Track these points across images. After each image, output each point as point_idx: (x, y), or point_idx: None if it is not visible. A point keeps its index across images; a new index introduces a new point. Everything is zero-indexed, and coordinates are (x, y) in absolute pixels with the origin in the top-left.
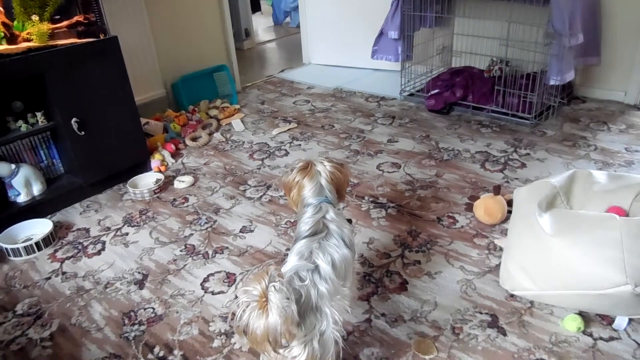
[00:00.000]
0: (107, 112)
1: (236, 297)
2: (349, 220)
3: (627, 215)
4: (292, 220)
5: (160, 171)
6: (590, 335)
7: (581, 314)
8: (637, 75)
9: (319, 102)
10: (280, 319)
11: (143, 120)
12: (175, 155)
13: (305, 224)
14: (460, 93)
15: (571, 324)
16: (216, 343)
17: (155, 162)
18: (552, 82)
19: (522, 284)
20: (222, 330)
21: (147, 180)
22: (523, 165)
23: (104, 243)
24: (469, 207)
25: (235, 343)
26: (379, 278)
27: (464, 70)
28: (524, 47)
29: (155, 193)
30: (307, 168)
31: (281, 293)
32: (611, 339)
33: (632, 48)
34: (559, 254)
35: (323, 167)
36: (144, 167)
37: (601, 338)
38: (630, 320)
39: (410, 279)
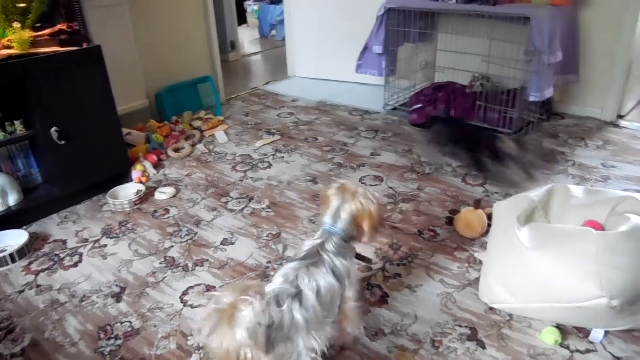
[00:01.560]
0: (88, 121)
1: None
2: (364, 258)
3: (602, 229)
4: (274, 233)
5: (141, 182)
6: (567, 347)
7: (558, 326)
8: (613, 93)
9: (302, 115)
10: (248, 339)
11: (125, 130)
12: (157, 166)
13: (304, 246)
14: (442, 108)
15: (549, 337)
16: (194, 358)
17: (136, 172)
18: (531, 98)
19: (501, 297)
20: (201, 345)
21: (127, 191)
22: None
23: (81, 255)
24: (450, 221)
25: (213, 358)
26: (359, 291)
27: (446, 86)
28: (504, 63)
29: (135, 204)
30: (344, 189)
31: (255, 311)
32: (587, 351)
33: (608, 67)
34: (536, 267)
35: (355, 197)
36: (125, 177)
37: (578, 350)
38: (606, 332)
39: (391, 292)
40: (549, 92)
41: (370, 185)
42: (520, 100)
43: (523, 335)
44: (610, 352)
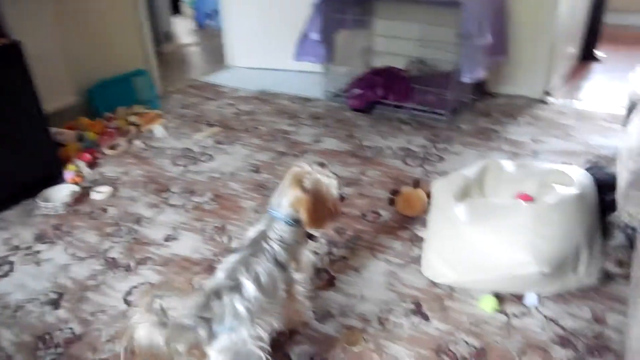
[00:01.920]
0: (10, 122)
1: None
2: (312, 237)
3: (533, 201)
4: (219, 226)
5: (75, 183)
6: (505, 313)
7: (496, 294)
8: (539, 72)
9: (243, 105)
10: (148, 340)
11: (55, 130)
12: (92, 165)
13: (248, 235)
14: (381, 92)
15: (487, 305)
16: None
17: (69, 173)
18: (464, 80)
19: (441, 271)
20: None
21: (61, 193)
22: (441, 159)
23: (12, 264)
24: (392, 202)
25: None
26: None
27: (384, 70)
28: (438, 47)
29: (70, 206)
30: (293, 173)
31: (149, 317)
32: (523, 315)
33: (533, 47)
34: (473, 240)
35: (297, 184)
36: (57, 179)
37: (514, 315)
38: (539, 297)
39: (338, 274)
40: (481, 73)
41: None
42: (454, 82)
43: (464, 306)
44: (543, 314)
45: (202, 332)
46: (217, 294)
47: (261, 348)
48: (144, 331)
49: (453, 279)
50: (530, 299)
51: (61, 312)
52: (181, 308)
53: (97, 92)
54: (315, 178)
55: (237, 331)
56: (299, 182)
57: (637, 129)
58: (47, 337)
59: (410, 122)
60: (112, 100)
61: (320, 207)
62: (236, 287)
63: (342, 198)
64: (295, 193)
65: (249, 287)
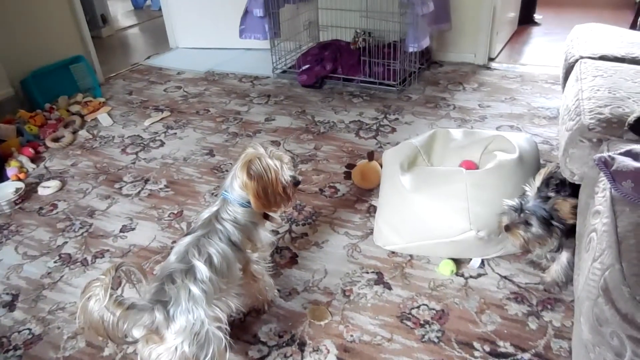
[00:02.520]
0: None
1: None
2: (268, 217)
3: (477, 167)
4: (176, 212)
5: (19, 179)
6: (462, 275)
7: (453, 259)
8: (482, 38)
9: (191, 87)
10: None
11: None
12: (35, 159)
13: (200, 217)
14: (330, 66)
15: (445, 269)
16: (107, 352)
17: (12, 169)
18: (410, 49)
19: (391, 239)
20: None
21: (4, 192)
22: (393, 130)
23: None
24: (348, 175)
25: (127, 347)
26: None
27: (331, 44)
28: (382, 17)
29: (16, 204)
30: (244, 155)
31: (105, 294)
32: (479, 276)
33: (475, 14)
34: (416, 208)
35: (245, 167)
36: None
37: (471, 276)
38: (483, 260)
39: (300, 251)
40: (425, 42)
41: None
42: (401, 53)
43: (423, 272)
44: (498, 273)
45: (159, 315)
46: (170, 278)
47: (220, 329)
48: (97, 306)
49: (401, 246)
50: (475, 263)
51: (17, 314)
52: (137, 294)
53: (33, 82)
54: (266, 163)
55: (194, 313)
56: (247, 166)
57: (573, 89)
58: (4, 340)
59: (361, 95)
60: (51, 90)
61: (269, 192)
62: (189, 270)
63: (296, 183)
64: (243, 178)
65: (202, 269)
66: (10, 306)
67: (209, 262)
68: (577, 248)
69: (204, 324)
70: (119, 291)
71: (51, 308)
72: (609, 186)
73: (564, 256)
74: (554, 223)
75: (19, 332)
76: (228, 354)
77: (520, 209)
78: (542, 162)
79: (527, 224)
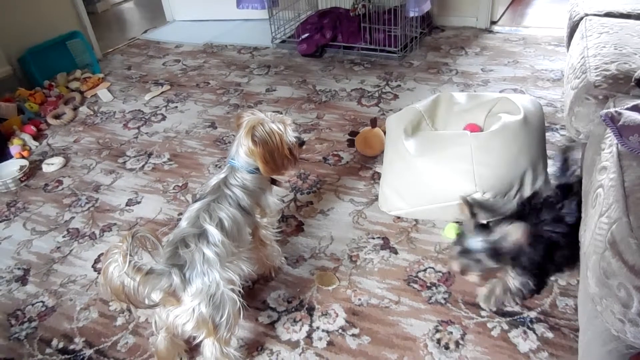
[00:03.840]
0: None
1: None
2: (275, 182)
3: (481, 130)
4: (181, 185)
5: (23, 157)
6: None
7: (459, 221)
8: (484, 0)
9: (190, 60)
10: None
11: None
12: (37, 137)
13: (209, 183)
14: (329, 34)
15: (450, 232)
16: (119, 321)
17: (15, 148)
18: (411, 14)
19: (395, 204)
20: (124, 307)
21: (9, 169)
22: (395, 97)
23: None
24: (351, 143)
25: (140, 317)
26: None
27: (330, 12)
28: None
29: (22, 181)
30: (247, 122)
31: (124, 259)
32: None
33: None
34: (421, 172)
35: (249, 133)
36: (3, 155)
37: None
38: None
39: (305, 219)
40: (426, 7)
41: None
42: (401, 18)
43: (429, 235)
44: None
45: (176, 278)
46: (184, 242)
47: (234, 291)
48: (117, 272)
49: (406, 210)
50: None
51: (30, 287)
52: (152, 260)
53: (30, 59)
54: (269, 128)
55: (209, 275)
56: (251, 133)
57: (579, 47)
58: (18, 313)
59: (362, 63)
60: (49, 67)
61: (275, 156)
62: (202, 234)
63: (301, 143)
64: (248, 144)
65: (214, 232)
66: (23, 280)
67: (220, 226)
68: (583, 205)
69: (219, 286)
70: (136, 257)
71: (62, 281)
72: (616, 142)
73: (515, 280)
74: (504, 252)
75: (33, 304)
76: (242, 316)
77: (466, 251)
78: (546, 124)
79: (477, 261)
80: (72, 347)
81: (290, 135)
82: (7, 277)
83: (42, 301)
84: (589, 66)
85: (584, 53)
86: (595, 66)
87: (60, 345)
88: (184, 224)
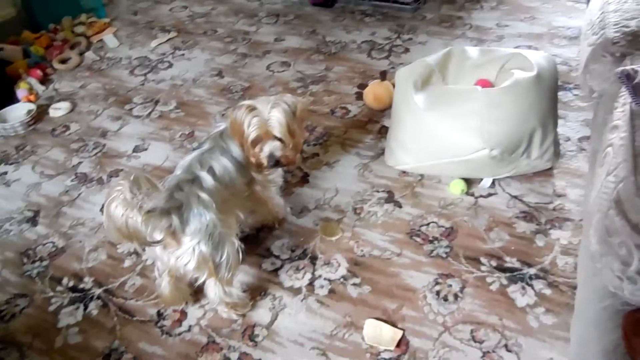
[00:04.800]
0: None
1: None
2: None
3: (493, 86)
4: (187, 133)
5: (30, 101)
6: (473, 195)
7: (465, 178)
8: None
9: (197, 7)
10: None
11: None
12: (44, 81)
13: (207, 135)
14: None
15: (456, 188)
16: (127, 263)
17: (22, 91)
18: None
19: (402, 159)
20: (132, 250)
21: (17, 113)
22: (407, 50)
23: None
24: (360, 96)
25: (147, 259)
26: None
27: None
28: None
29: (29, 125)
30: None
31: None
32: (489, 195)
33: None
34: (429, 127)
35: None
36: (10, 98)
37: (481, 196)
38: (494, 180)
39: (311, 171)
40: None
41: (279, 72)
42: None
43: (434, 191)
44: (508, 193)
45: (176, 218)
46: (178, 186)
47: (231, 234)
48: (120, 210)
49: (412, 165)
50: (485, 182)
51: (40, 228)
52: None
53: (33, 2)
54: (245, 120)
55: (205, 215)
56: (268, 133)
57: (598, 2)
58: (30, 252)
59: (373, 14)
60: (54, 10)
61: (244, 148)
62: (195, 180)
63: (274, 164)
64: (274, 144)
65: (207, 178)
66: (33, 221)
67: (212, 173)
68: (590, 164)
69: (216, 226)
70: (136, 197)
71: (72, 223)
72: (630, 100)
73: None
74: None
75: (43, 245)
76: (241, 257)
77: None
78: (559, 83)
79: None
80: (81, 285)
81: (301, 110)
82: (18, 217)
83: (52, 242)
84: (608, 22)
85: (604, 8)
86: (615, 22)
87: (71, 283)
88: (177, 171)
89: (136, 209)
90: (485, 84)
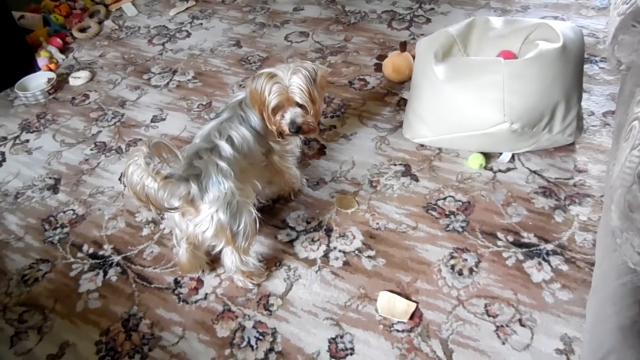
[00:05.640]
0: None
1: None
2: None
3: (516, 57)
4: (205, 103)
5: (50, 69)
6: (491, 169)
7: (483, 152)
8: None
9: None
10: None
11: (16, 14)
12: (64, 50)
13: (227, 104)
14: None
15: (474, 162)
16: (145, 231)
17: (42, 60)
18: None
19: (420, 131)
20: (150, 219)
21: (38, 81)
22: (428, 21)
23: (3, 154)
24: (379, 68)
25: (164, 228)
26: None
27: None
28: None
29: (50, 94)
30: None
31: (139, 163)
32: (508, 170)
33: None
34: (449, 99)
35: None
36: (31, 67)
37: (500, 171)
38: (514, 154)
39: (328, 143)
40: None
41: (297, 42)
42: None
43: (452, 165)
44: (528, 168)
45: (194, 186)
46: (197, 155)
47: (249, 204)
48: (138, 174)
49: (430, 138)
50: (505, 157)
51: (61, 196)
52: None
53: None
54: (265, 88)
55: (224, 184)
56: (289, 99)
57: None
58: (51, 219)
59: None
60: None
61: (263, 116)
62: (214, 148)
63: (296, 130)
64: (295, 110)
65: (225, 147)
66: (54, 189)
67: (230, 142)
68: (615, 138)
69: (234, 194)
70: (156, 163)
71: (91, 192)
72: None
73: None
74: None
75: (64, 212)
76: (257, 228)
77: None
78: (586, 55)
79: None
80: (101, 252)
81: (320, 75)
82: (39, 185)
83: (72, 209)
84: None
85: None
86: None
87: (91, 250)
88: (197, 140)
89: (153, 173)
90: (508, 55)
